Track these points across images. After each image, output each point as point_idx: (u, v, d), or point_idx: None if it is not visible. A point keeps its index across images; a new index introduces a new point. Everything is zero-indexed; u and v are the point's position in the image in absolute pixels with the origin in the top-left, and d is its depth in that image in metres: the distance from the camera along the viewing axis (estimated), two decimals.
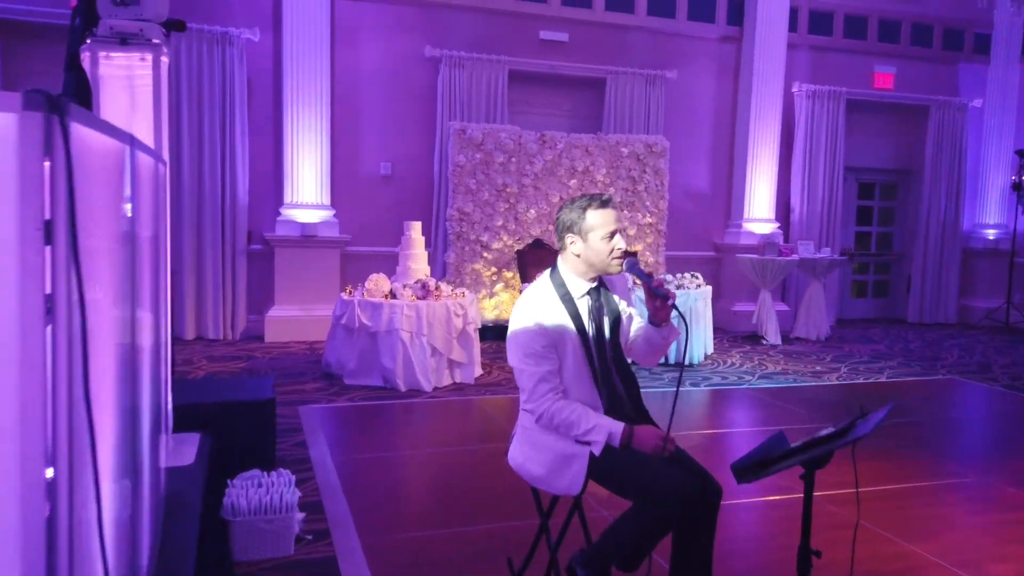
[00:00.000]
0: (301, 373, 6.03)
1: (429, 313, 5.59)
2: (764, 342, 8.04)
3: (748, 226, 8.92)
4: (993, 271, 10.20)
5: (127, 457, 1.80)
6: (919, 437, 4.80)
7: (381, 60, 7.88)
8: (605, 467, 2.25)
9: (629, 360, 2.47)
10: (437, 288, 5.78)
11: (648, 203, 8.08)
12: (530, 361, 2.29)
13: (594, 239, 2.31)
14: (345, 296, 5.87)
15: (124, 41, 2.75)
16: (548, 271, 2.44)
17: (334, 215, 7.65)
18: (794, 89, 9.23)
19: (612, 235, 2.32)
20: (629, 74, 8.52)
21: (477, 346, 6.06)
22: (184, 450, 3.09)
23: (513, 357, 2.35)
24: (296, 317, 7.44)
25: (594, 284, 2.40)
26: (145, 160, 2.43)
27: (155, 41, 2.79)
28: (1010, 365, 7.33)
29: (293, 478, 3.12)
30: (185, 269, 7.28)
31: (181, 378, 5.69)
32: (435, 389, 5.64)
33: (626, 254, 2.40)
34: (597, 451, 2.24)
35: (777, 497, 3.63)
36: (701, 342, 6.85)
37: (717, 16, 9.00)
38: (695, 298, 6.69)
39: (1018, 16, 9.69)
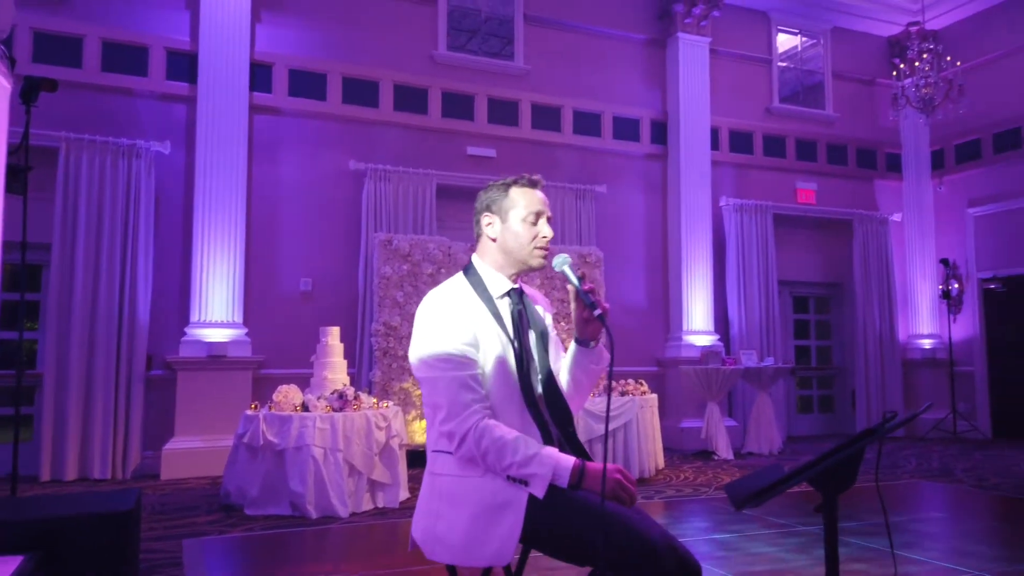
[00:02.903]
0: (194, 507, 5.15)
1: (346, 425, 4.91)
2: (716, 457, 7.50)
3: (688, 338, 8.61)
4: (934, 381, 10.07)
5: None
6: (911, 536, 4.25)
7: (302, 174, 7.57)
8: (548, 520, 1.66)
9: None
10: (356, 398, 5.13)
11: None
12: (446, 365, 1.75)
13: (515, 219, 1.91)
14: (250, 412, 5.15)
15: None
16: (462, 270, 1.97)
17: (246, 334, 6.99)
18: (721, 203, 9.29)
19: (537, 219, 1.92)
20: (559, 188, 8.41)
21: (403, 464, 5.34)
22: None
23: (421, 365, 1.80)
24: (198, 449, 6.57)
25: (515, 285, 1.94)
26: None
27: None
28: (971, 469, 6.94)
29: None
30: (70, 399, 6.41)
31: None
32: (352, 515, 4.86)
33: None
34: (540, 491, 1.65)
35: None
36: (651, 455, 6.27)
37: (641, 136, 9.13)
38: (640, 405, 6.18)
39: (924, 128, 10.18)
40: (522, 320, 1.91)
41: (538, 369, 1.89)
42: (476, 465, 1.74)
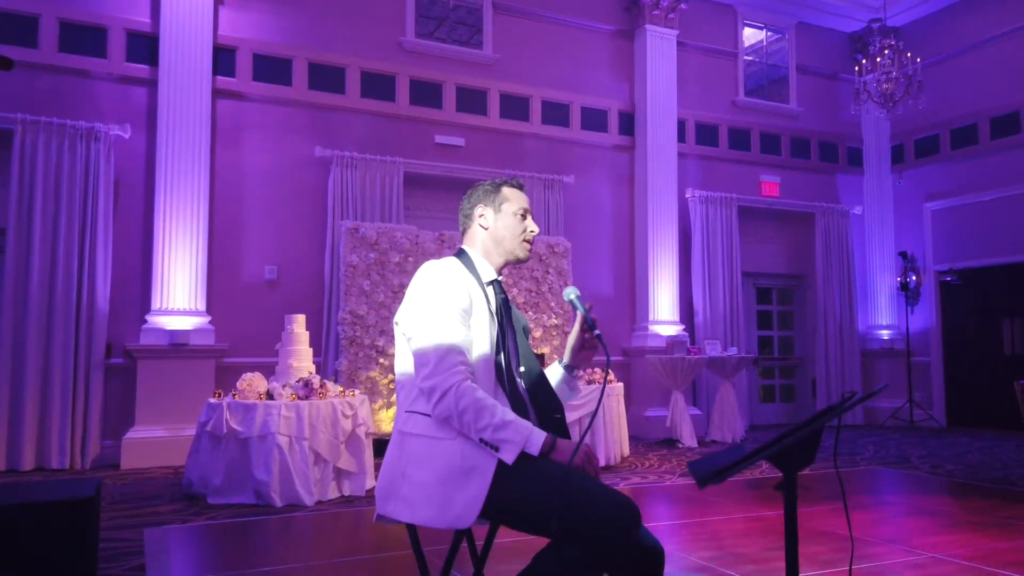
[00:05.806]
0: (155, 496, 5.08)
1: (312, 413, 4.87)
2: (680, 445, 7.59)
3: (654, 328, 8.69)
4: (892, 370, 10.30)
5: None
6: (868, 520, 4.36)
7: (267, 160, 7.45)
8: (514, 487, 1.71)
9: None
10: (322, 386, 5.08)
11: (553, 304, 7.74)
12: (442, 324, 1.83)
13: (507, 212, 2.10)
14: (213, 400, 5.08)
15: None
16: (454, 254, 2.09)
17: (209, 322, 6.89)
18: (687, 194, 9.38)
19: (525, 215, 2.12)
20: (527, 178, 8.41)
21: (369, 452, 5.31)
22: None
23: (416, 321, 1.86)
24: (160, 439, 6.46)
25: (500, 277, 2.08)
26: None
27: None
28: (927, 456, 7.13)
29: None
30: (27, 388, 6.26)
31: None
32: (318, 503, 4.83)
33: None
34: (511, 456, 1.70)
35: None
36: (617, 443, 6.33)
37: (609, 127, 9.16)
38: (607, 394, 6.23)
39: (885, 123, 10.38)
40: (507, 309, 2.05)
41: (520, 362, 2.02)
42: (449, 427, 1.80)
